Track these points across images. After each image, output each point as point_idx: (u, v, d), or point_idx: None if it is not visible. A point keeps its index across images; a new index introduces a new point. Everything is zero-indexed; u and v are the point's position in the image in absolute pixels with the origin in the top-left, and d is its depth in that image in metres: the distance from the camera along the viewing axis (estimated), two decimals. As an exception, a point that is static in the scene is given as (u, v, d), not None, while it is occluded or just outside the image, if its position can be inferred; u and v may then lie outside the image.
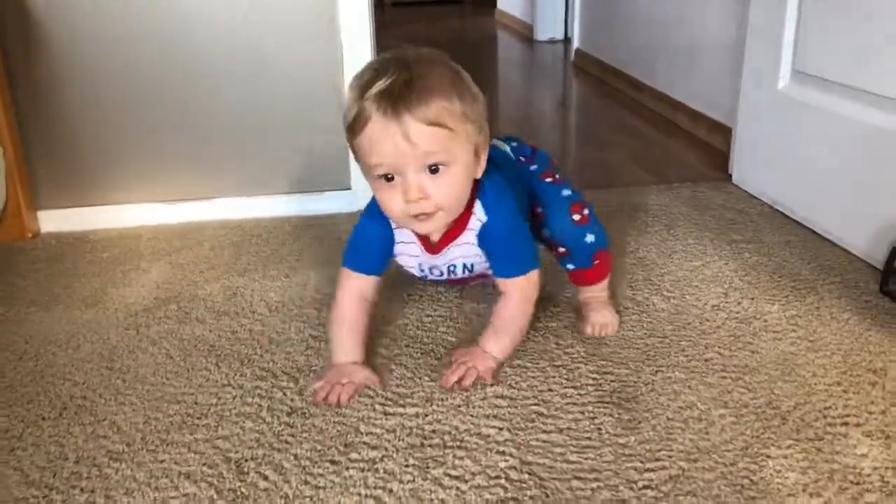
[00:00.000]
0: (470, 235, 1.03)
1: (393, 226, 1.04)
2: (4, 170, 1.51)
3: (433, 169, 0.91)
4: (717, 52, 2.11)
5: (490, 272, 1.08)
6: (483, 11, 5.77)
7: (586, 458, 0.87)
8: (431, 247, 1.05)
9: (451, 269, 1.09)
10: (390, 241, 1.06)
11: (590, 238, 1.13)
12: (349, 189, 1.67)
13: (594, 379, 1.03)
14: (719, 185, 1.80)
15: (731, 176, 1.82)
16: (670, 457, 0.87)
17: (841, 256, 1.39)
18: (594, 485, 0.83)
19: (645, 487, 0.82)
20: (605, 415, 0.95)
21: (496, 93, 3.13)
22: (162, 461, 0.89)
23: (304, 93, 1.61)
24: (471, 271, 1.09)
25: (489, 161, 1.00)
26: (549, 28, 4.24)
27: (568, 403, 0.98)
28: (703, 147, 2.15)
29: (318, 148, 1.64)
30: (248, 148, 1.65)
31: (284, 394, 1.02)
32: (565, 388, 1.01)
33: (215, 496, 0.84)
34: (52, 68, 1.54)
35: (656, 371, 1.04)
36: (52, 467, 0.89)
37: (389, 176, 0.92)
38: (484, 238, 1.02)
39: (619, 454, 0.88)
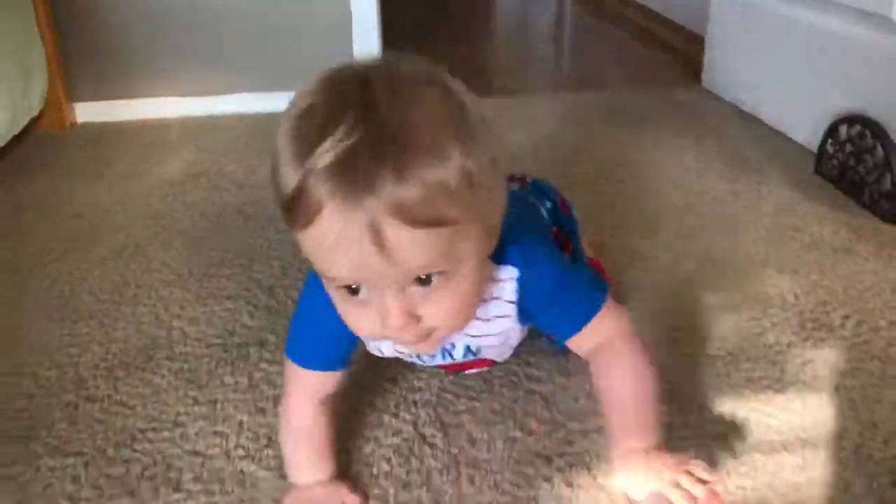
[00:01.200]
0: (503, 307, 0.71)
1: None
2: (45, 62, 1.68)
3: (424, 280, 0.58)
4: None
5: (508, 351, 0.82)
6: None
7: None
8: None
9: (448, 350, 0.76)
10: (354, 336, 0.70)
11: None
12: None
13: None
14: (691, 89, 1.98)
15: (700, 79, 2.00)
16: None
17: (788, 145, 1.58)
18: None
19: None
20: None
21: (495, 13, 3.27)
22: (206, 287, 1.10)
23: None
24: (474, 355, 0.78)
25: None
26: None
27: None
28: (680, 56, 2.32)
29: (325, 50, 1.81)
30: (265, 47, 1.82)
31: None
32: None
33: (253, 310, 1.04)
34: (85, -30, 1.70)
35: (613, 229, 1.25)
36: (119, 290, 1.10)
37: (355, 288, 0.59)
38: (526, 297, 0.70)
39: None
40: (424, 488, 0.75)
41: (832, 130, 1.40)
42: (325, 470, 0.74)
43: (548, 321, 0.74)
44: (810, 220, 1.27)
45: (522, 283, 0.69)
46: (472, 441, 0.80)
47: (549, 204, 0.90)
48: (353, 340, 0.73)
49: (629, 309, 1.01)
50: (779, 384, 0.89)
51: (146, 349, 0.97)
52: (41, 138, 1.68)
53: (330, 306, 0.64)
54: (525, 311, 0.71)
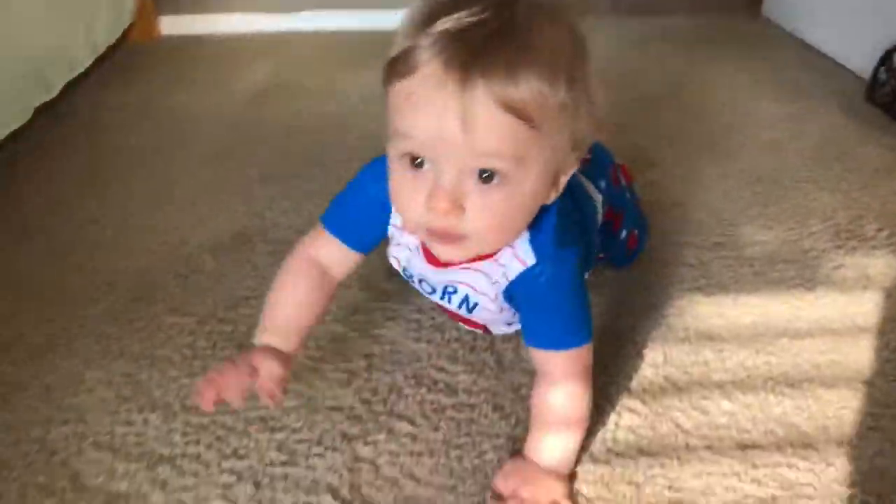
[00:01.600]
0: (495, 269, 0.71)
1: None
2: (135, -24, 1.79)
3: (485, 176, 0.59)
4: None
5: (503, 327, 0.84)
6: None
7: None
8: (434, 256, 0.72)
9: (448, 293, 0.76)
10: (385, 218, 0.74)
11: (623, 234, 0.95)
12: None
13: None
14: (752, 18, 2.01)
15: (761, 8, 2.02)
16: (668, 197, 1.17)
17: (842, 73, 1.62)
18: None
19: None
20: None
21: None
22: (293, 185, 1.22)
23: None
24: (469, 311, 0.77)
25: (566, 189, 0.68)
26: None
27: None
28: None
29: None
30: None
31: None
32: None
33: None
34: None
35: (668, 147, 1.33)
36: (214, 185, 1.23)
37: (417, 160, 0.60)
38: (521, 289, 0.70)
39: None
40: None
41: (886, 58, 1.45)
42: (286, 339, 0.73)
43: (522, 317, 0.73)
44: (856, 142, 1.34)
45: (528, 274, 0.69)
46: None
47: (602, 183, 0.87)
48: (379, 231, 0.75)
49: (679, 216, 1.11)
50: (810, 283, 0.98)
51: (243, 233, 1.10)
52: (131, 49, 1.80)
53: (377, 184, 0.69)
54: (510, 293, 0.71)
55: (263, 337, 0.74)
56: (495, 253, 0.69)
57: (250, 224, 1.12)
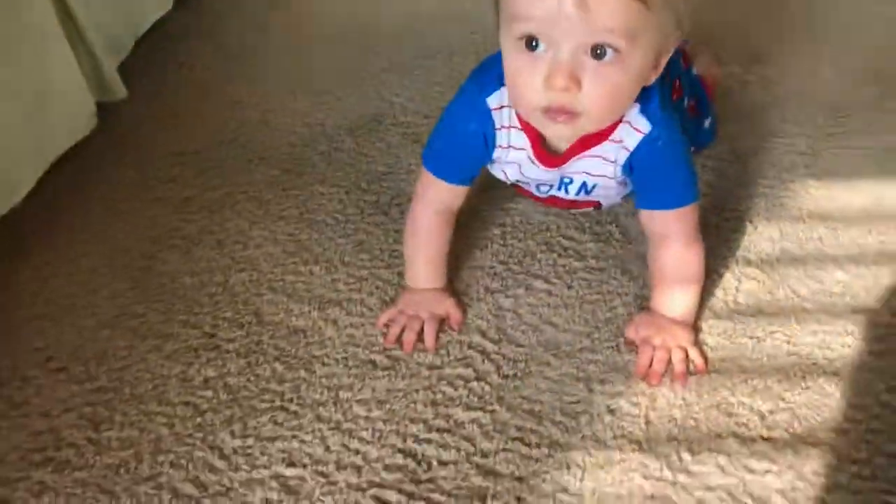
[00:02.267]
0: (611, 149, 0.76)
1: (497, 124, 0.76)
2: None
3: (599, 52, 0.63)
4: None
5: (615, 198, 0.88)
6: None
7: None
8: (551, 157, 0.77)
9: (565, 184, 0.83)
10: (490, 146, 0.78)
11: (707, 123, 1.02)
12: None
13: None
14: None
15: None
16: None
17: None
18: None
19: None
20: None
21: None
22: (417, 74, 1.29)
23: None
24: (587, 193, 0.84)
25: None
26: None
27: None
28: None
29: None
30: None
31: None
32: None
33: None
34: None
35: (784, 41, 1.35)
36: (343, 73, 1.31)
37: (534, 41, 0.64)
38: (641, 155, 0.75)
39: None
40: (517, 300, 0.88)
41: None
42: (437, 279, 0.84)
43: (640, 184, 0.78)
44: None
45: (647, 140, 0.74)
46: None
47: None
48: (485, 159, 0.80)
49: (794, 108, 1.15)
50: None
51: (376, 116, 1.18)
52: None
53: (473, 118, 0.76)
54: (630, 163, 0.76)
55: (420, 283, 0.84)
56: (606, 134, 0.74)
57: (381, 108, 1.20)
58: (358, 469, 0.69)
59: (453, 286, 0.87)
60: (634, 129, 0.74)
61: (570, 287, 0.87)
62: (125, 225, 0.98)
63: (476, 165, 0.82)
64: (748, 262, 0.89)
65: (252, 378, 0.77)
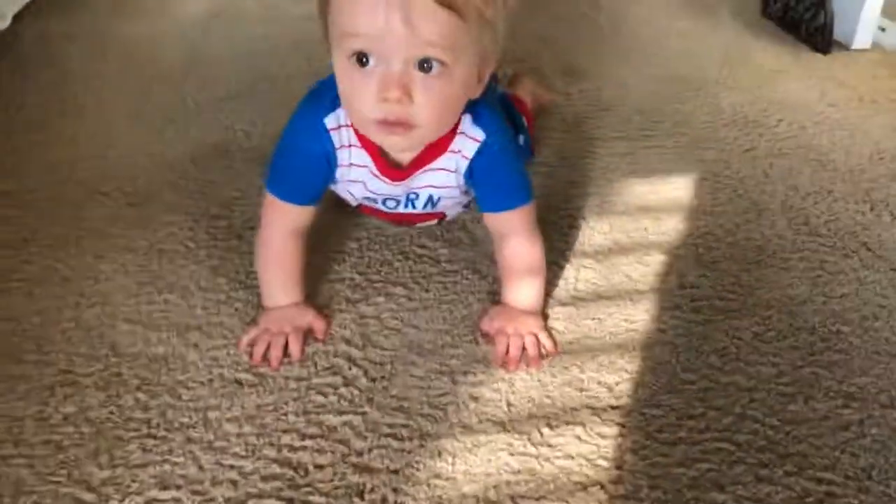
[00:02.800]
0: (451, 160, 0.80)
1: (336, 143, 0.79)
2: None
3: (426, 65, 0.67)
4: None
5: (458, 208, 0.94)
6: None
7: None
8: (394, 170, 0.81)
9: (412, 198, 0.86)
10: (332, 165, 0.81)
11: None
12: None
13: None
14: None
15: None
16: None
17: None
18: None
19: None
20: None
21: None
22: (254, 100, 1.30)
23: None
24: (434, 206, 0.87)
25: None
26: None
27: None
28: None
29: None
30: None
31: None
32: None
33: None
34: None
35: (594, 59, 1.47)
36: (182, 103, 1.30)
37: (365, 57, 0.68)
38: (480, 162, 0.80)
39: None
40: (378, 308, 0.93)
41: (779, -24, 1.63)
42: (295, 294, 0.85)
43: (482, 190, 0.84)
44: (755, 50, 1.52)
45: (482, 148, 0.79)
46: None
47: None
48: (328, 178, 0.83)
49: (611, 116, 1.26)
50: (726, 162, 1.15)
51: (219, 143, 1.18)
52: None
53: (312, 139, 0.78)
54: (471, 171, 0.81)
55: (278, 300, 0.85)
56: (444, 146, 0.79)
57: (224, 135, 1.20)
58: (234, 483, 0.69)
59: (315, 301, 0.88)
60: (470, 139, 0.79)
61: (427, 290, 0.91)
62: (-43, 271, 0.93)
63: (320, 185, 0.84)
64: (584, 254, 0.97)
65: (115, 409, 0.75)
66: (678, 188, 1.09)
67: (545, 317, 0.87)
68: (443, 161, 0.81)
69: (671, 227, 1.02)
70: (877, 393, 0.78)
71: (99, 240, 0.98)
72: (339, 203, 0.94)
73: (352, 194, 0.87)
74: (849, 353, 0.83)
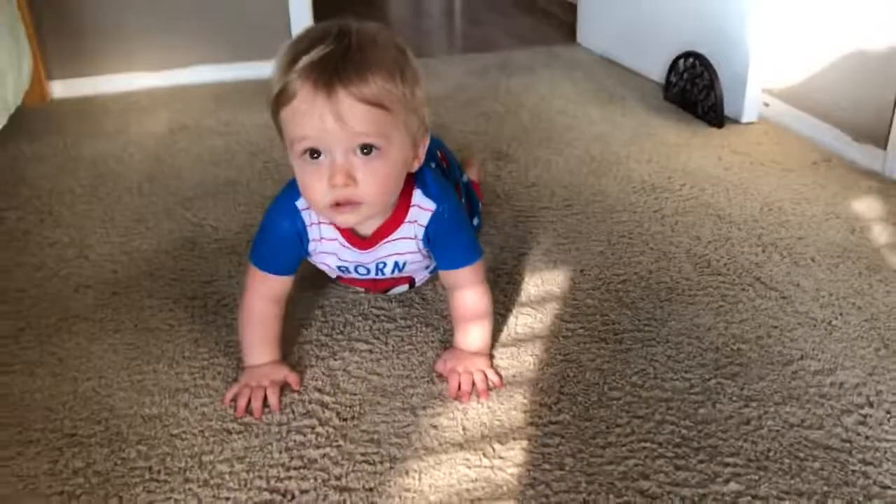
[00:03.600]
0: (409, 229, 0.94)
1: (307, 222, 0.94)
2: (28, 42, 1.94)
3: (365, 150, 0.81)
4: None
5: (424, 272, 1.08)
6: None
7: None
8: (361, 241, 0.95)
9: (380, 267, 0.99)
10: (304, 241, 0.95)
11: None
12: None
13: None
14: (569, 46, 2.42)
15: (576, 38, 2.45)
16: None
17: (644, 81, 2.04)
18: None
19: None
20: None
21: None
22: (218, 202, 1.44)
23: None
24: (400, 270, 1.01)
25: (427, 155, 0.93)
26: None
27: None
28: (559, 21, 2.77)
29: (266, 28, 2.14)
30: (216, 24, 2.13)
31: (285, 165, 1.57)
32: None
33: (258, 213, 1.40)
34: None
35: (518, 145, 1.66)
36: (149, 211, 1.43)
37: (315, 153, 0.82)
38: (434, 228, 0.94)
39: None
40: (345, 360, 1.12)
41: (674, 65, 1.87)
42: (273, 354, 0.97)
43: (438, 251, 0.97)
44: (659, 128, 1.73)
45: (435, 216, 0.93)
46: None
47: (432, 164, 1.08)
48: (301, 252, 0.97)
49: (535, 193, 1.43)
50: (640, 230, 1.32)
51: (190, 238, 1.31)
52: (25, 112, 1.94)
53: (286, 219, 0.92)
54: (428, 236, 0.94)
55: (257, 360, 0.96)
56: (401, 218, 0.93)
57: (194, 230, 1.34)
58: (231, 511, 0.79)
59: (288, 360, 1.00)
60: (422, 209, 0.94)
61: (386, 343, 1.04)
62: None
63: (296, 258, 0.98)
64: (522, 304, 1.12)
65: (119, 461, 0.85)
66: (599, 245, 1.26)
67: (491, 357, 1.01)
68: (403, 230, 0.94)
69: (594, 277, 1.17)
70: (771, 394, 0.93)
71: (89, 325, 1.09)
72: (315, 275, 1.08)
73: (328, 265, 1.00)
74: (747, 365, 0.98)
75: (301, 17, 2.17)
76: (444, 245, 0.97)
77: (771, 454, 0.84)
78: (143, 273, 1.21)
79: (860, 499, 0.78)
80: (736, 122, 1.75)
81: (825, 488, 0.80)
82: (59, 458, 0.86)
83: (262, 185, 1.51)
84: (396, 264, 0.99)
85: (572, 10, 2.61)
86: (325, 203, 0.84)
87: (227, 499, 0.81)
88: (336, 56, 0.79)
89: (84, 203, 1.46)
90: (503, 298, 1.12)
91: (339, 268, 1.00)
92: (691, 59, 1.80)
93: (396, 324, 1.08)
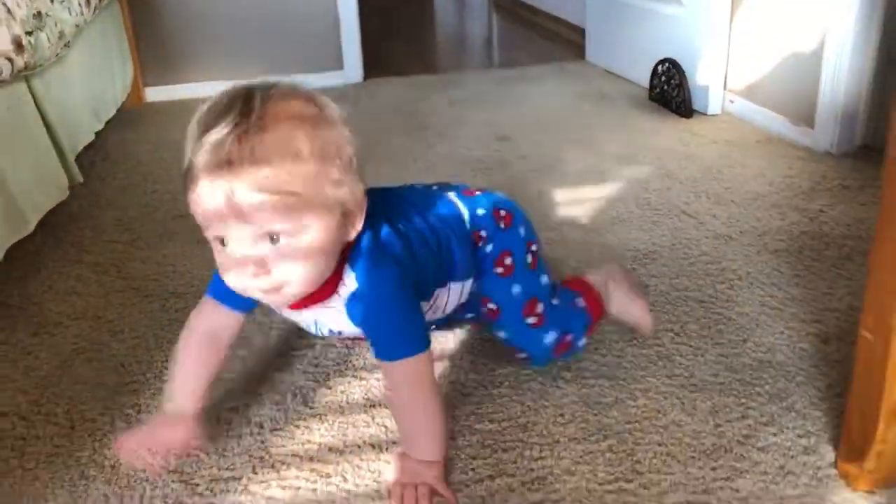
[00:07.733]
0: (337, 301, 0.83)
1: None
2: (130, 55, 2.40)
3: (274, 238, 0.73)
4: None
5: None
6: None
7: (481, 151, 1.87)
8: (293, 303, 0.83)
9: (319, 327, 0.89)
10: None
11: (549, 338, 0.99)
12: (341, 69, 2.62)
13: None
14: (577, 62, 2.81)
15: (584, 55, 2.84)
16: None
17: (633, 86, 2.41)
18: (484, 157, 1.84)
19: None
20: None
21: (435, 25, 4.09)
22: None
23: None
24: (338, 334, 0.90)
25: (391, 213, 0.85)
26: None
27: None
28: (570, 42, 3.17)
29: (318, 48, 2.57)
30: (280, 39, 2.58)
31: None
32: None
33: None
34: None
35: (515, 128, 2.04)
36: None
37: (223, 240, 0.74)
38: (354, 310, 0.82)
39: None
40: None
41: (655, 70, 2.24)
42: (190, 406, 0.87)
43: (366, 335, 0.85)
44: (638, 119, 2.10)
45: (355, 296, 0.81)
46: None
47: (480, 210, 0.95)
48: (247, 302, 0.87)
49: (533, 156, 1.81)
50: (609, 184, 1.69)
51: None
52: (126, 111, 2.37)
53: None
54: (351, 315, 0.83)
55: (168, 406, 0.90)
56: (331, 288, 0.82)
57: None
58: None
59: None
60: (345, 286, 0.82)
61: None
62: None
63: (245, 302, 0.88)
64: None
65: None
66: (568, 194, 1.63)
67: (446, 462, 0.86)
68: (331, 301, 0.83)
69: (564, 203, 1.54)
70: (672, 274, 1.28)
71: (181, 237, 1.49)
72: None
73: (288, 315, 0.90)
74: (661, 262, 1.33)
75: (351, 44, 2.62)
76: (368, 330, 0.85)
77: (655, 306, 1.19)
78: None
79: (717, 325, 1.13)
80: (703, 114, 2.10)
81: (692, 322, 1.15)
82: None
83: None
84: (330, 329, 0.89)
85: (581, 32, 3.01)
86: (241, 289, 0.77)
87: None
88: (233, 140, 0.70)
89: (174, 168, 1.87)
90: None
91: (285, 319, 0.94)
92: (667, 64, 2.17)
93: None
